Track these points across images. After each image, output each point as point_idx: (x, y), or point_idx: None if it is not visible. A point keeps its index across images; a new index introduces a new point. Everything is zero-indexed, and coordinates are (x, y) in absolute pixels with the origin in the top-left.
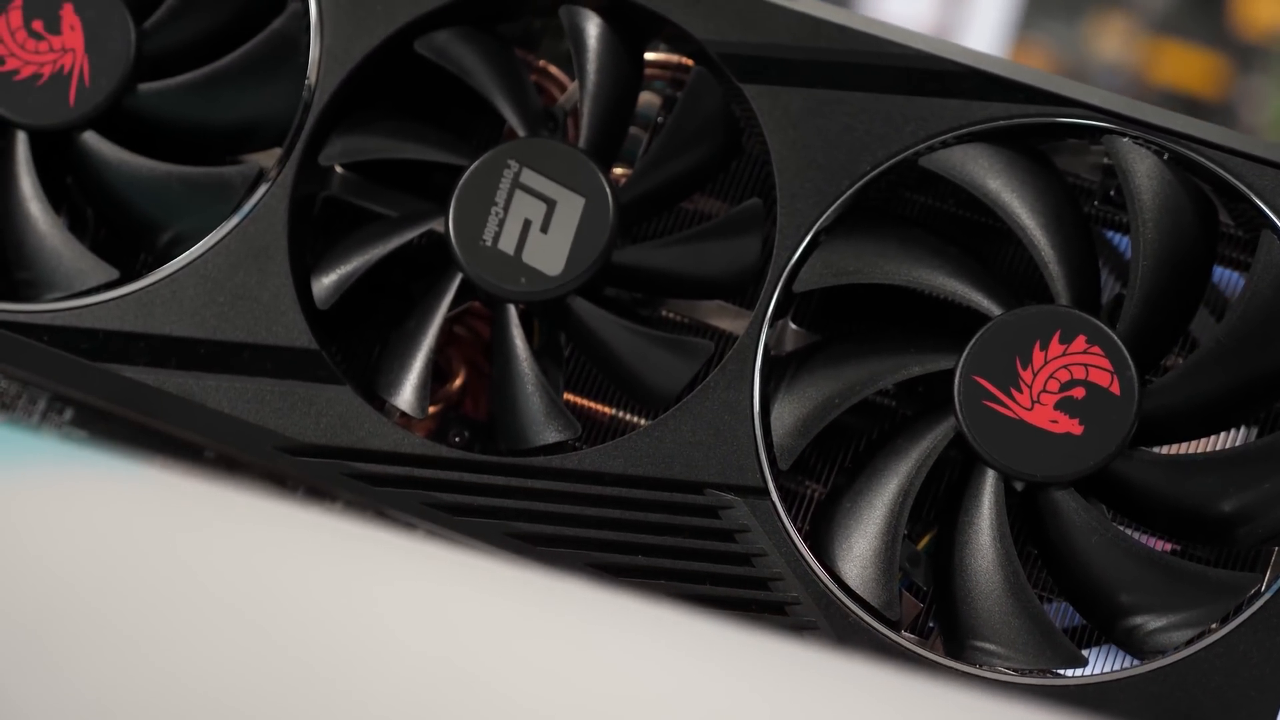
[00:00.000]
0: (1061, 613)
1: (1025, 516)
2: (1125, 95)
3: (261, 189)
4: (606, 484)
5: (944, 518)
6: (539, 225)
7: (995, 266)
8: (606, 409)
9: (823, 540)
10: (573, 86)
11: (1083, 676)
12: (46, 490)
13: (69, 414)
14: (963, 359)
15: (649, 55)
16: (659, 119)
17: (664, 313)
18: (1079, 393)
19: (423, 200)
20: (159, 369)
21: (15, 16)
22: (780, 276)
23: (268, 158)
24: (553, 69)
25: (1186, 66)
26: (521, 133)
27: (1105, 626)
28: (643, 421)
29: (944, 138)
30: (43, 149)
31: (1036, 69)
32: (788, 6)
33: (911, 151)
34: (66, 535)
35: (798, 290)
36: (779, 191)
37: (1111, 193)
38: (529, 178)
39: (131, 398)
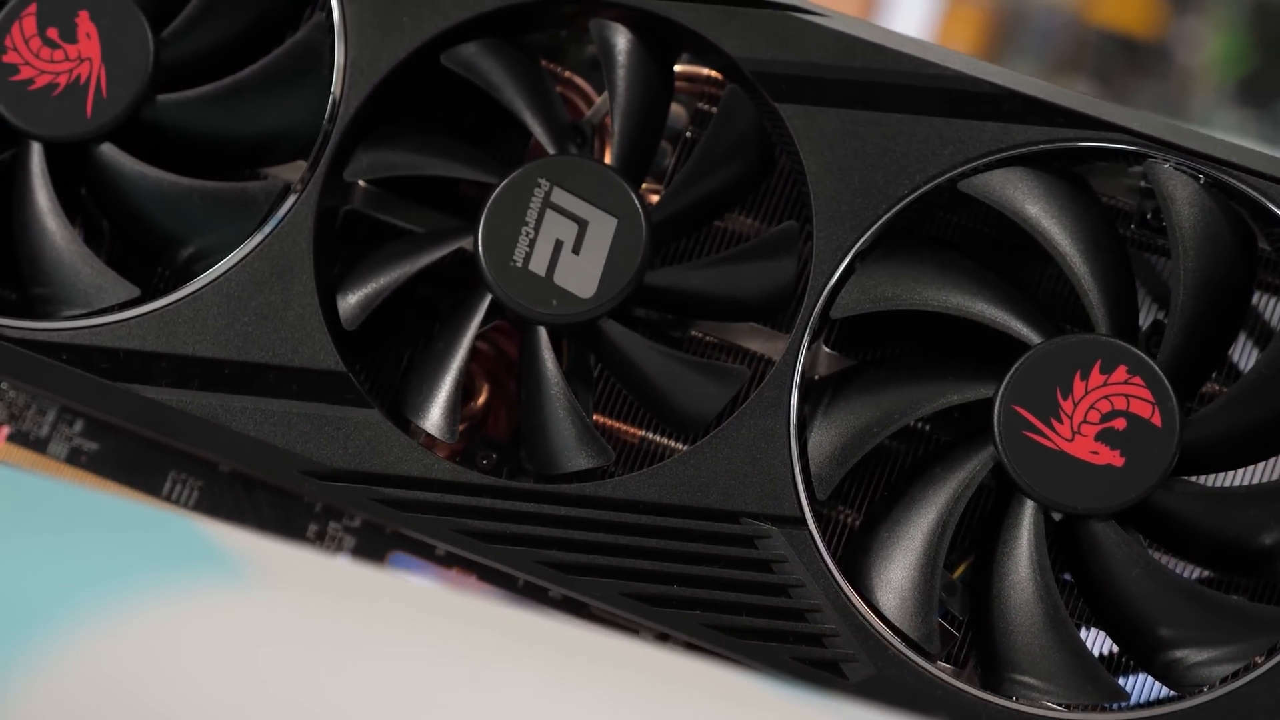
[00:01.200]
0: (1092, 640)
1: (1062, 545)
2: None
3: (286, 205)
4: (641, 512)
5: (981, 547)
6: (570, 246)
7: (1029, 287)
8: (636, 430)
9: (859, 569)
10: (600, 100)
11: (1124, 711)
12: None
13: (79, 425)
14: (1002, 388)
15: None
16: (686, 133)
17: (693, 333)
18: (1120, 424)
19: (449, 216)
20: (181, 390)
21: (29, 24)
22: (817, 302)
23: (289, 170)
24: (578, 80)
25: (1124, 7)
26: (550, 149)
27: (1144, 659)
28: (673, 444)
29: (982, 161)
30: (56, 158)
31: (1076, 93)
32: (823, 25)
33: (950, 175)
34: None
35: (835, 317)
36: (815, 214)
37: (1149, 215)
38: (560, 197)
39: (153, 419)
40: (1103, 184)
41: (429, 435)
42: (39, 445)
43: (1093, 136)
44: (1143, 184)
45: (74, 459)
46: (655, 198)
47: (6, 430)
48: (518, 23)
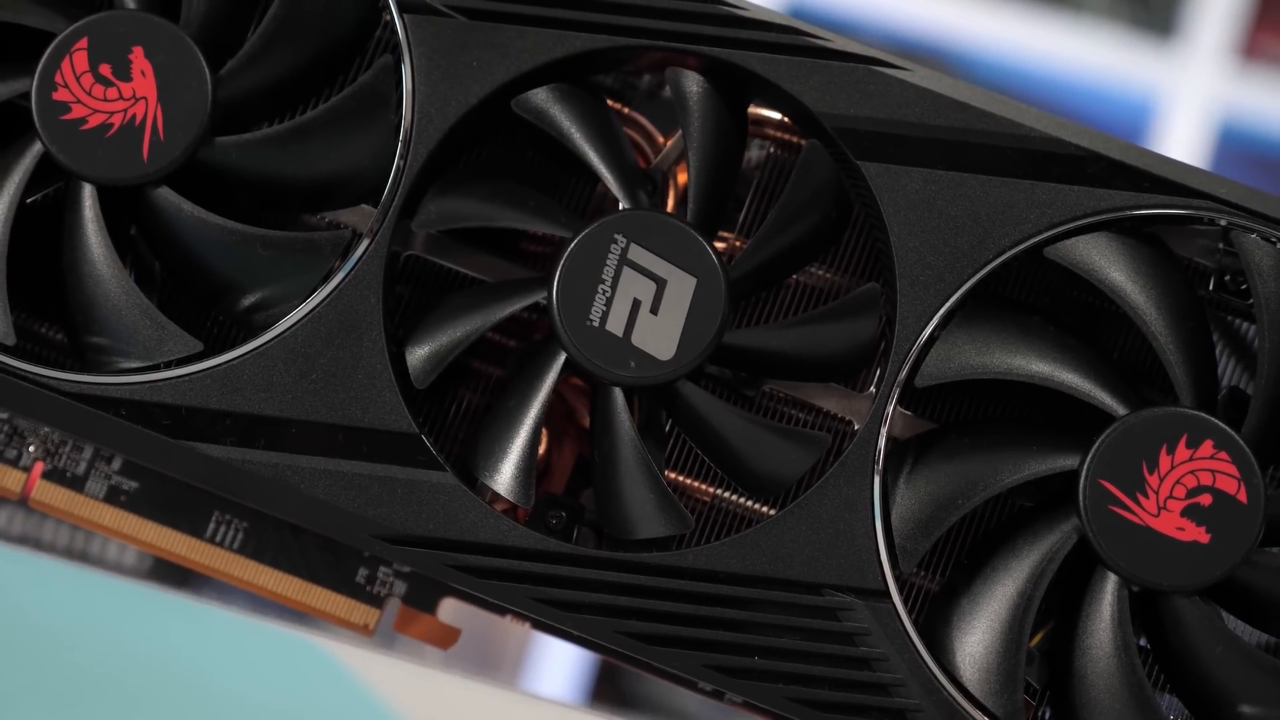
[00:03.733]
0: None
1: (1138, 610)
2: None
3: (354, 257)
4: (723, 582)
5: (1060, 616)
6: (648, 306)
7: (1107, 349)
8: (708, 488)
9: (940, 641)
10: (669, 146)
11: None
12: None
13: (118, 463)
14: (1088, 461)
15: None
16: (757, 177)
17: (764, 387)
18: (1206, 499)
19: (514, 264)
20: (247, 449)
21: (80, 59)
22: (901, 369)
23: (347, 214)
24: (640, 118)
25: None
26: (623, 200)
27: None
28: (745, 503)
29: (1069, 227)
30: (107, 198)
31: (1162, 156)
32: (907, 80)
33: (1036, 240)
34: None
35: (920, 386)
36: (898, 278)
37: (1226, 278)
38: (637, 254)
39: (218, 479)
40: (1179, 244)
41: (495, 493)
42: (75, 483)
43: (1179, 203)
44: (1221, 246)
45: (112, 498)
46: (721, 244)
47: (41, 467)
48: (587, 67)
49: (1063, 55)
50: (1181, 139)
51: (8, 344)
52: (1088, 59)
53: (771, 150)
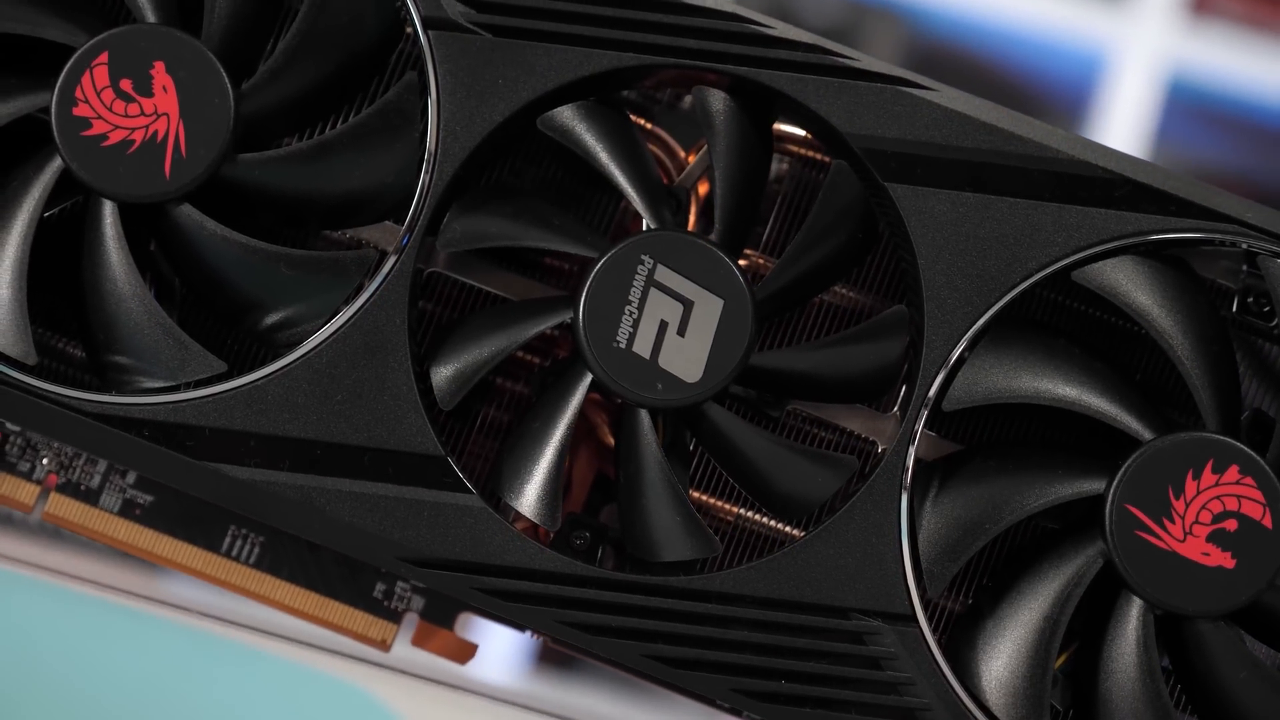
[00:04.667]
0: None
1: (1161, 633)
2: None
3: (379, 277)
4: (749, 606)
5: (1084, 639)
6: (675, 328)
7: (1130, 371)
8: (731, 508)
9: (965, 665)
10: (693, 163)
11: None
12: None
13: (133, 476)
14: (1115, 486)
15: None
16: (777, 197)
17: (789, 407)
18: (1231, 525)
19: (536, 281)
20: (272, 470)
21: (100, 74)
22: (928, 392)
23: (369, 231)
24: (662, 133)
25: None
26: (648, 220)
27: None
28: (770, 522)
29: (1096, 250)
30: (128, 214)
31: (1188, 178)
32: (935, 101)
33: (1063, 264)
34: None
35: (947, 410)
36: (925, 300)
37: (1250, 299)
38: (664, 275)
39: (243, 500)
40: (1202, 265)
41: (518, 513)
42: (90, 497)
43: (1205, 226)
44: (1245, 268)
45: (127, 512)
46: (743, 261)
47: (55, 480)
48: (613, 85)
49: (1013, 8)
50: (1131, 93)
51: (29, 364)
52: (1038, 12)
53: (790, 166)
